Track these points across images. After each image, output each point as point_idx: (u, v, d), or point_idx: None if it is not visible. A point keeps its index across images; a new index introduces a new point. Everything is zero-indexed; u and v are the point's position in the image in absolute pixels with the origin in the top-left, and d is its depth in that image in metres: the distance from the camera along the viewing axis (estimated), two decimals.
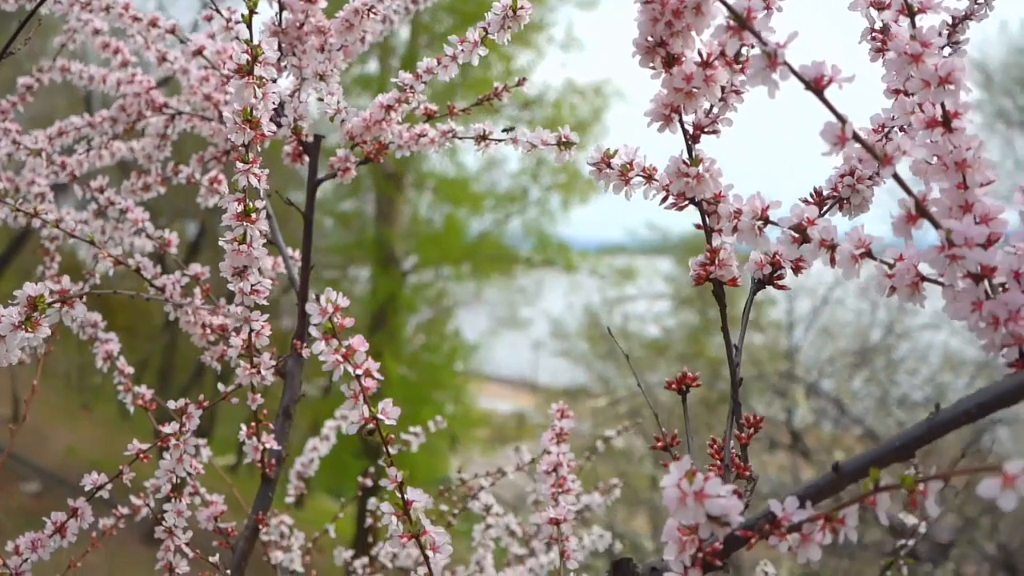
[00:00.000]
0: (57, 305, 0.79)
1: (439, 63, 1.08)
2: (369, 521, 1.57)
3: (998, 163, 9.15)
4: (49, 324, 0.80)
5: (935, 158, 0.67)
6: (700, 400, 7.25)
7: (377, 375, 0.76)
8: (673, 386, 0.79)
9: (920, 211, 0.63)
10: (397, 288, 10.87)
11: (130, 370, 1.25)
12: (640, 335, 10.34)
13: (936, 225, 0.62)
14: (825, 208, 0.84)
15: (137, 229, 1.29)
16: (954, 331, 7.71)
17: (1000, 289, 0.64)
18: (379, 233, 10.99)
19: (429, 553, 0.78)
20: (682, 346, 9.55)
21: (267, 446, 1.14)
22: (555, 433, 1.17)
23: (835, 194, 0.83)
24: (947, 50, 0.85)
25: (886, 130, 0.83)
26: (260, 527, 1.18)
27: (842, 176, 0.83)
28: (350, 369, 0.76)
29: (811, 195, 0.84)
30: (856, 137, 0.61)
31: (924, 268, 0.67)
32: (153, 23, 1.25)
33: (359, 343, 0.76)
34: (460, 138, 1.15)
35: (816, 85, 0.61)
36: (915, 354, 7.43)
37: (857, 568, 5.91)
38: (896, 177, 0.62)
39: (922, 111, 0.67)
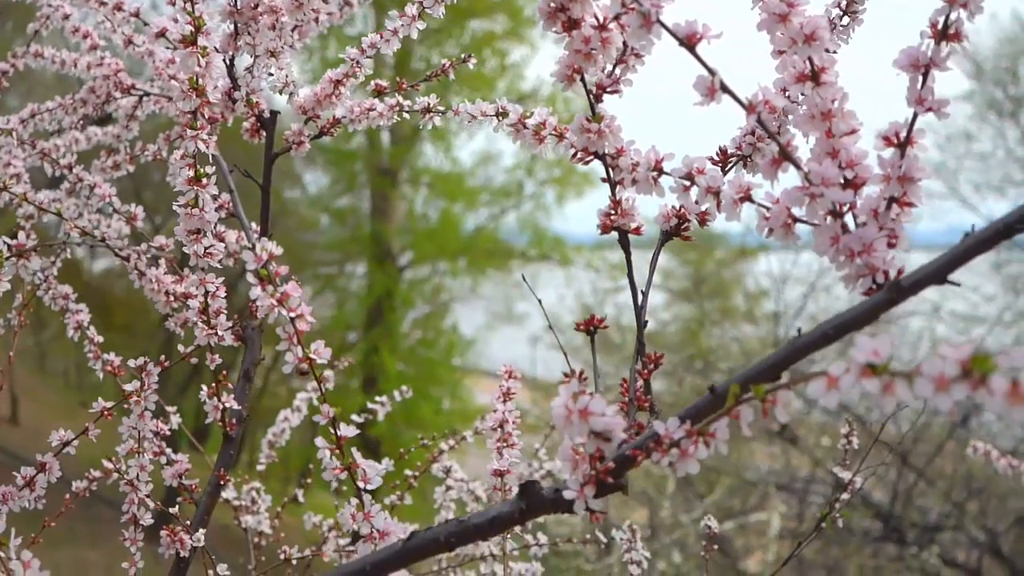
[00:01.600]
0: (13, 259, 0.86)
1: (381, 37, 1.15)
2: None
3: (989, 153, 9.16)
4: (7, 278, 0.87)
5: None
6: (692, 389, 7.31)
7: (310, 318, 0.82)
8: (581, 327, 0.86)
9: (784, 155, 0.69)
10: (393, 284, 10.93)
11: (100, 339, 1.31)
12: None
13: (798, 167, 0.68)
14: (730, 165, 0.90)
15: (104, 204, 1.35)
16: (943, 320, 7.77)
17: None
18: (375, 229, 11.05)
19: (361, 484, 0.85)
20: (677, 337, 9.60)
21: (227, 406, 1.20)
22: (502, 392, 1.23)
23: (739, 152, 0.89)
24: (845, 19, 0.91)
25: (787, 92, 0.89)
26: (222, 483, 1.24)
27: (745, 135, 0.89)
28: (284, 312, 0.82)
29: (717, 153, 0.90)
30: (724, 88, 0.67)
31: (797, 211, 0.73)
32: (118, 7, 1.31)
33: (293, 288, 0.82)
34: (407, 111, 1.22)
35: (688, 42, 0.67)
36: (905, 342, 7.50)
37: (845, 554, 5.99)
38: (761, 124, 0.68)
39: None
